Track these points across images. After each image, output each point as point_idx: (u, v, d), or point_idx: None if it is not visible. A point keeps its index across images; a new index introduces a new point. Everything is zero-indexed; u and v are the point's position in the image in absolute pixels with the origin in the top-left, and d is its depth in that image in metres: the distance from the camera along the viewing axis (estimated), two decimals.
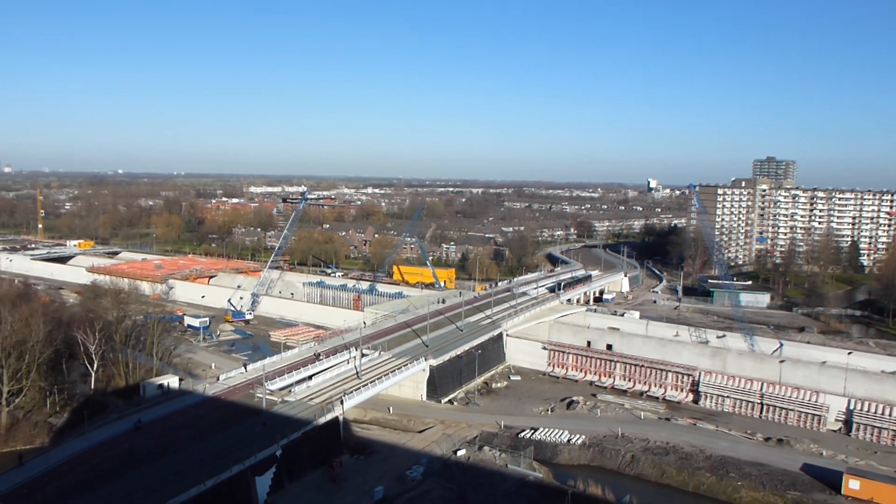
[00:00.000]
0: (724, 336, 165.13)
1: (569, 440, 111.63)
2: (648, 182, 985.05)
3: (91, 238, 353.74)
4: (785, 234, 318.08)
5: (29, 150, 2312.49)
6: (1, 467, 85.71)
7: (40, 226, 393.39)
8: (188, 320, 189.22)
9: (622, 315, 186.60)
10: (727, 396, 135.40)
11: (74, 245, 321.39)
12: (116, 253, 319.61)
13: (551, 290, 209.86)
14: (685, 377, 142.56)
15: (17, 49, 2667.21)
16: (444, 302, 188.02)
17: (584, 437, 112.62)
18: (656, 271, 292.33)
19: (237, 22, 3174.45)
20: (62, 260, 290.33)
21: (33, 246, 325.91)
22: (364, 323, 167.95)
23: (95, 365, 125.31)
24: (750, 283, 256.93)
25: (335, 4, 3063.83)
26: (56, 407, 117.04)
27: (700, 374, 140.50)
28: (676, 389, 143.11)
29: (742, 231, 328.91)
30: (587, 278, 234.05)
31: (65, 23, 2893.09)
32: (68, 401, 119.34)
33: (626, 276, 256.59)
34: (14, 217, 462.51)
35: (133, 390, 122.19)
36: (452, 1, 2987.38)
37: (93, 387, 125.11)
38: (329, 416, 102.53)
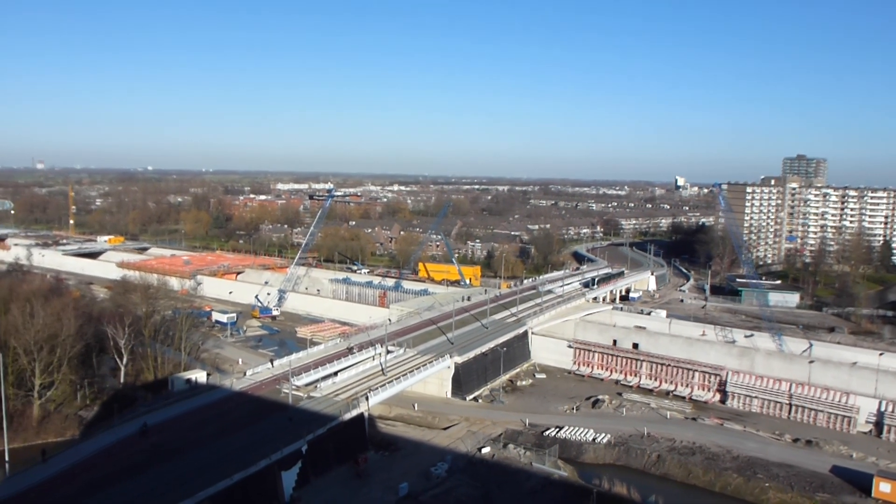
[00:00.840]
0: (751, 336, 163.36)
1: (594, 439, 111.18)
2: (676, 180, 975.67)
3: (121, 234, 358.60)
4: (815, 233, 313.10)
5: (61, 147, 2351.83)
6: (31, 460, 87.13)
7: (72, 222, 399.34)
8: (216, 316, 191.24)
9: (649, 314, 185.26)
10: (755, 397, 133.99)
11: (105, 241, 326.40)
12: (146, 249, 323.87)
13: (585, 285, 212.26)
14: (712, 377, 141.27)
15: (50, 47, 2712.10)
16: (469, 299, 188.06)
17: (609, 435, 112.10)
18: (683, 270, 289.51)
19: (266, 21, 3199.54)
20: (93, 255, 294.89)
21: (65, 241, 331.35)
22: (389, 320, 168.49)
23: (125, 359, 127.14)
24: (779, 282, 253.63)
25: (364, 2, 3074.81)
26: (86, 400, 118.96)
27: (727, 373, 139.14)
28: (703, 389, 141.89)
29: (771, 230, 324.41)
30: (620, 274, 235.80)
31: (98, 21, 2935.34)
32: (98, 394, 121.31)
33: (652, 274, 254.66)
34: (46, 213, 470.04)
35: (161, 384, 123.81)
36: None
37: (122, 381, 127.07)
38: (354, 412, 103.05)
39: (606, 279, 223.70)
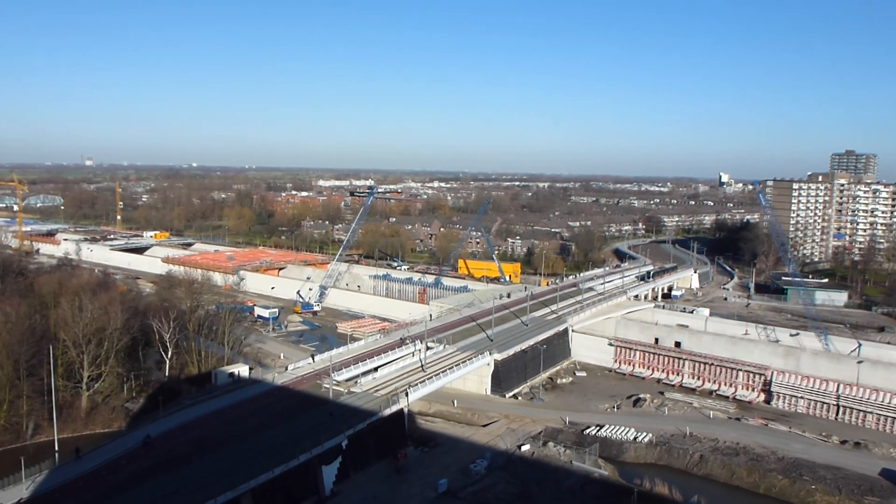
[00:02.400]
0: (797, 335, 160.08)
1: (635, 438, 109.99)
2: (720, 176, 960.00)
3: (166, 229, 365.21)
4: (864, 230, 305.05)
5: (109, 144, 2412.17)
6: (69, 454, 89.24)
7: (119, 217, 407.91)
8: (258, 311, 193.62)
9: (691, 312, 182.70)
10: (801, 397, 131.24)
11: (151, 236, 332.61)
12: (190, 244, 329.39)
13: (641, 278, 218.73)
14: (757, 376, 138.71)
15: (99, 47, 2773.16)
16: (509, 296, 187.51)
17: (650, 435, 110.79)
18: (727, 268, 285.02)
19: (310, 17, 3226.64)
20: (139, 250, 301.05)
21: (112, 236, 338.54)
22: (430, 316, 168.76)
23: (170, 352, 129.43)
24: (826, 280, 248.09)
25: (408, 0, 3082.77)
26: (132, 392, 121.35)
27: (772, 373, 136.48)
28: (747, 389, 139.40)
29: (818, 227, 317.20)
30: (674, 268, 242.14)
31: (145, 20, 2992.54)
32: (144, 387, 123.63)
33: (695, 272, 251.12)
34: (94, 208, 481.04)
35: (205, 378, 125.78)
36: None
37: (167, 374, 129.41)
38: (394, 408, 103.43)
39: (661, 272, 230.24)
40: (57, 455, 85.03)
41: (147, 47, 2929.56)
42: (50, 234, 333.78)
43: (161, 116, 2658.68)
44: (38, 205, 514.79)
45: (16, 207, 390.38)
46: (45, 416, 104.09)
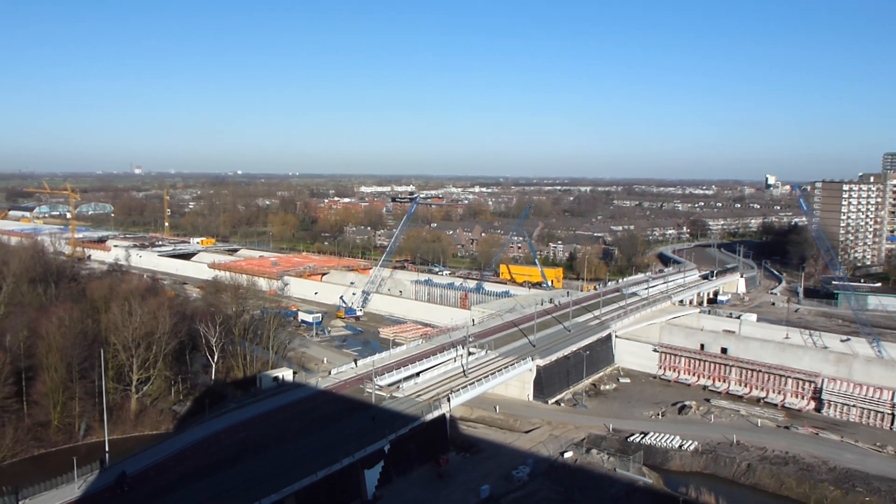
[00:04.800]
0: (848, 340, 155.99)
1: (680, 446, 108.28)
2: (766, 178, 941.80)
3: (212, 236, 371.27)
4: None
5: (157, 153, 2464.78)
6: (125, 452, 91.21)
7: (167, 224, 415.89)
8: (302, 316, 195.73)
9: (738, 317, 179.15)
10: (853, 405, 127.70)
11: (197, 242, 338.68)
12: (236, 250, 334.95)
13: (704, 277, 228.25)
14: (806, 384, 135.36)
15: (147, 59, 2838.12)
16: (551, 301, 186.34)
17: (696, 443, 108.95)
18: (775, 272, 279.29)
19: (351, 26, 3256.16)
20: (186, 256, 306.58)
21: (160, 243, 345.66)
22: (472, 321, 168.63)
23: (216, 356, 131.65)
24: (879, 284, 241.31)
25: (448, 5, 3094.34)
26: (180, 395, 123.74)
27: (823, 380, 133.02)
28: (797, 396, 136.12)
29: (870, 229, 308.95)
30: (734, 269, 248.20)
31: (190, 33, 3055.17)
32: (191, 390, 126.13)
33: (741, 276, 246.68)
34: (143, 215, 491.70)
35: (250, 381, 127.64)
36: None
37: (213, 377, 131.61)
38: (436, 413, 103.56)
39: (723, 272, 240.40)
40: (107, 456, 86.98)
41: (193, 58, 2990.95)
42: (101, 241, 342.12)
43: (207, 125, 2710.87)
44: (90, 212, 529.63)
45: (69, 215, 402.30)
46: (96, 417, 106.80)
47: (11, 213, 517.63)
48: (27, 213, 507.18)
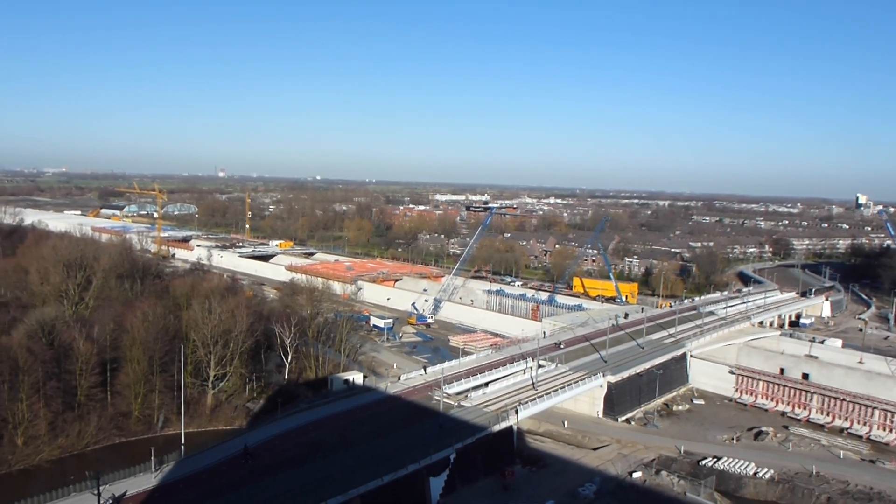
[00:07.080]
0: None
1: (755, 473, 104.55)
2: (857, 197, 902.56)
3: (290, 239, 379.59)
4: None
5: (241, 156, 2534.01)
6: (202, 445, 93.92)
7: (247, 226, 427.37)
8: (374, 320, 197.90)
9: (822, 342, 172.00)
10: None
11: (276, 245, 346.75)
12: (312, 253, 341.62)
13: (803, 294, 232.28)
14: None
15: (234, 64, 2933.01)
16: (625, 317, 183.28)
17: (772, 471, 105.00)
18: (864, 297, 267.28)
19: (433, 32, 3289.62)
20: (265, 258, 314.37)
21: (241, 244, 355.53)
22: (544, 333, 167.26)
23: (289, 357, 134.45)
24: None
25: (541, 17, 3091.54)
26: (254, 393, 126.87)
27: None
28: (884, 429, 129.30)
29: None
30: (832, 287, 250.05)
31: (272, 42, 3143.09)
32: (264, 388, 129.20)
33: (827, 300, 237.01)
34: (225, 217, 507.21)
35: (322, 383, 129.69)
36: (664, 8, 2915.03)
37: (286, 377, 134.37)
38: (503, 425, 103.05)
39: (821, 290, 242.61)
40: (183, 448, 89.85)
41: (275, 64, 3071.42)
42: (185, 241, 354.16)
43: (288, 131, 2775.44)
44: (175, 213, 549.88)
45: (155, 215, 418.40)
46: (173, 410, 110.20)
47: (103, 211, 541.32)
48: (117, 212, 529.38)
